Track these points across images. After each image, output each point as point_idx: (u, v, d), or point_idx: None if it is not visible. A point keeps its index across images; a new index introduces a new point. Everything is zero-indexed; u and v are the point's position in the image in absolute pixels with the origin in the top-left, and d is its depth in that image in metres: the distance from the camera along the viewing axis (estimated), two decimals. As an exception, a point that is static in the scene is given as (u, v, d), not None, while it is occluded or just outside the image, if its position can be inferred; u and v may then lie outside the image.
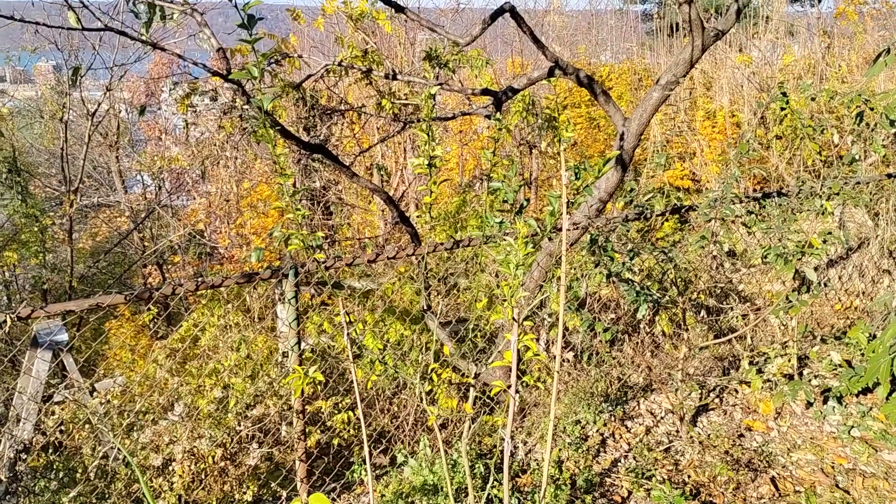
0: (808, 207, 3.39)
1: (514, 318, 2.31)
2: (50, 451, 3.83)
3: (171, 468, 3.40)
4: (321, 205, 10.01)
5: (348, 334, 2.65)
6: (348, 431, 4.54)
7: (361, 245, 9.65)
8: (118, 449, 3.14)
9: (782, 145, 10.19)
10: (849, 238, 5.93)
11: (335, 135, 9.55)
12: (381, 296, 7.05)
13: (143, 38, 4.23)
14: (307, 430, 3.65)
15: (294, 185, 11.64)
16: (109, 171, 17.12)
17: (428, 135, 2.17)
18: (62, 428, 3.64)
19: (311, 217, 10.44)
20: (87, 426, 3.48)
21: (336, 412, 4.54)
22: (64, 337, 5.57)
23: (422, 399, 2.75)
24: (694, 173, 11.65)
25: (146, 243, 14.85)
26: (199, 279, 3.02)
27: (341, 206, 8.99)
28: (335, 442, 4.21)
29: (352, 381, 5.93)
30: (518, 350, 2.34)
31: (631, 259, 3.27)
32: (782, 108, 3.60)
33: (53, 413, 4.19)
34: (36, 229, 12.90)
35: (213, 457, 3.44)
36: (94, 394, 5.63)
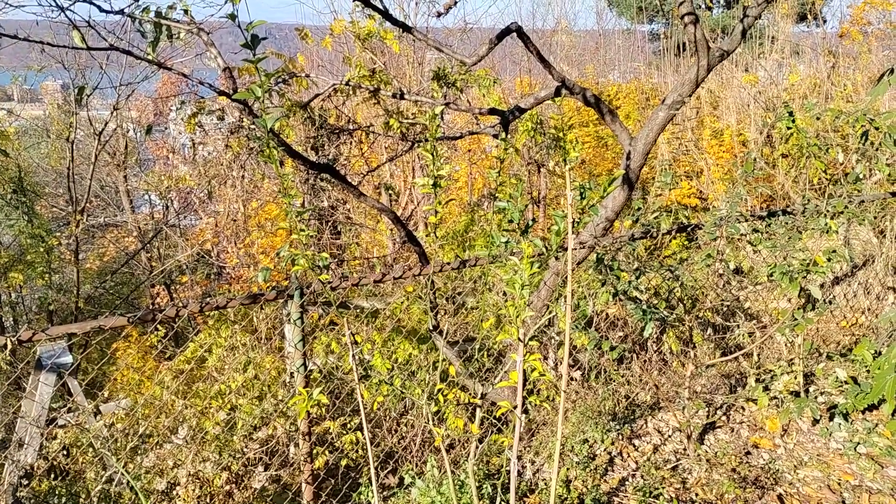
0: (814, 226, 3.40)
1: (519, 339, 2.32)
2: (52, 475, 3.83)
3: (175, 492, 3.39)
4: (329, 224, 10.06)
5: (354, 355, 2.66)
6: (356, 452, 4.54)
7: (369, 265, 9.67)
8: (122, 473, 3.14)
9: (788, 164, 10.21)
10: (854, 256, 5.92)
11: (343, 154, 9.62)
12: (388, 315, 7.06)
13: (150, 57, 4.28)
14: (314, 451, 3.64)
15: (303, 204, 11.72)
16: (117, 191, 17.23)
17: (433, 154, 2.20)
18: (65, 452, 3.64)
19: (318, 237, 10.49)
20: (90, 450, 3.48)
21: (343, 433, 4.54)
22: (68, 359, 5.59)
23: (429, 420, 2.75)
24: (701, 191, 11.66)
25: (154, 263, 14.90)
26: (204, 300, 3.04)
27: (349, 225, 9.03)
28: (343, 463, 4.21)
29: (357, 401, 5.92)
30: (524, 370, 2.35)
31: (637, 278, 3.28)
32: (788, 128, 3.62)
33: (56, 437, 4.19)
34: (42, 249, 12.95)
35: (219, 480, 3.43)
36: (98, 416, 5.64)
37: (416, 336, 6.34)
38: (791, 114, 3.62)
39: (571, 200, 2.53)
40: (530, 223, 2.86)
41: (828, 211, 3.39)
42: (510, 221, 2.87)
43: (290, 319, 6.23)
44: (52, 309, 14.39)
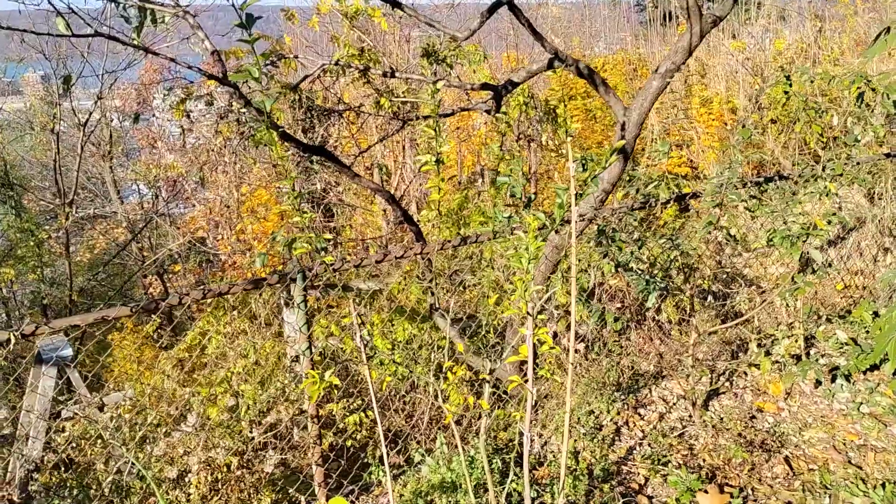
0: (813, 190, 3.40)
1: (528, 313, 2.32)
2: (62, 468, 3.82)
3: (187, 479, 3.39)
4: (322, 207, 10.00)
5: (360, 336, 2.66)
6: (361, 433, 4.56)
7: (364, 246, 9.64)
8: (132, 463, 3.13)
9: (777, 130, 10.20)
10: (847, 219, 5.94)
11: (333, 136, 9.54)
12: (388, 296, 7.05)
13: (135, 42, 4.20)
14: (321, 433, 3.65)
15: (294, 187, 11.64)
16: (104, 182, 17.05)
17: (436, 130, 2.17)
18: (73, 444, 3.64)
19: (312, 219, 10.44)
20: (98, 441, 3.47)
21: (348, 414, 4.55)
22: (68, 352, 5.57)
23: (436, 397, 2.75)
24: (691, 160, 11.67)
25: (145, 253, 14.80)
26: (206, 288, 3.02)
27: (342, 207, 8.99)
28: (349, 444, 4.22)
29: (362, 382, 5.94)
30: (534, 344, 2.35)
31: (639, 248, 3.28)
32: (785, 92, 3.60)
33: (63, 430, 4.18)
34: (32, 244, 12.82)
35: (230, 465, 3.44)
36: (105, 408, 5.63)
37: (416, 316, 6.35)
38: (788, 77, 3.60)
39: (574, 172, 2.52)
40: (532, 197, 2.85)
41: (825, 175, 3.40)
42: (512, 195, 2.86)
43: (288, 303, 6.22)
44: (45, 303, 14.31)
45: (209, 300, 4.99)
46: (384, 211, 9.37)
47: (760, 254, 5.80)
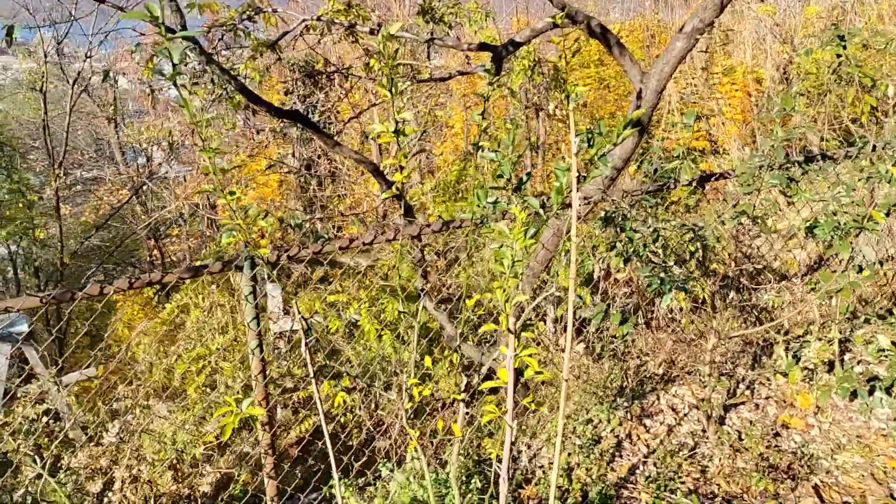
0: (870, 173, 2.84)
1: (509, 330, 1.81)
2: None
3: (106, 499, 2.94)
4: (315, 175, 9.47)
5: (307, 345, 2.16)
6: (345, 416, 4.09)
7: (359, 219, 9.12)
8: (45, 476, 2.67)
9: (805, 102, 9.52)
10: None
11: (326, 99, 8.97)
12: (376, 273, 6.56)
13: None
14: (273, 442, 3.18)
15: (293, 155, 11.09)
16: (110, 144, 16.65)
17: (391, 91, 1.64)
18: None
19: (305, 189, 9.91)
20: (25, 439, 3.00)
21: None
22: (23, 328, 5.10)
23: (401, 416, 2.27)
24: (710, 134, 11.02)
25: (143, 217, 14.38)
26: (133, 277, 2.53)
27: (333, 177, 8.45)
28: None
29: (345, 361, 5.43)
30: (517, 369, 1.84)
31: (655, 241, 2.75)
32: (838, 55, 3.03)
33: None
34: (21, 205, 12.42)
35: (163, 478, 2.97)
36: (65, 387, 5.19)
37: (404, 294, 5.86)
38: (842, 38, 3.02)
39: (577, 149, 1.98)
40: (525, 178, 2.32)
41: (891, 154, 2.82)
42: (499, 176, 2.33)
43: (271, 278, 5.73)
44: (37, 266, 13.98)
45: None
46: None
47: (778, 236, 5.23)
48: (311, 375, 2.19)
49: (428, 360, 2.25)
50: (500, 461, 1.95)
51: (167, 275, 2.58)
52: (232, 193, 1.96)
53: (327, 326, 5.78)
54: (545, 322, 4.99)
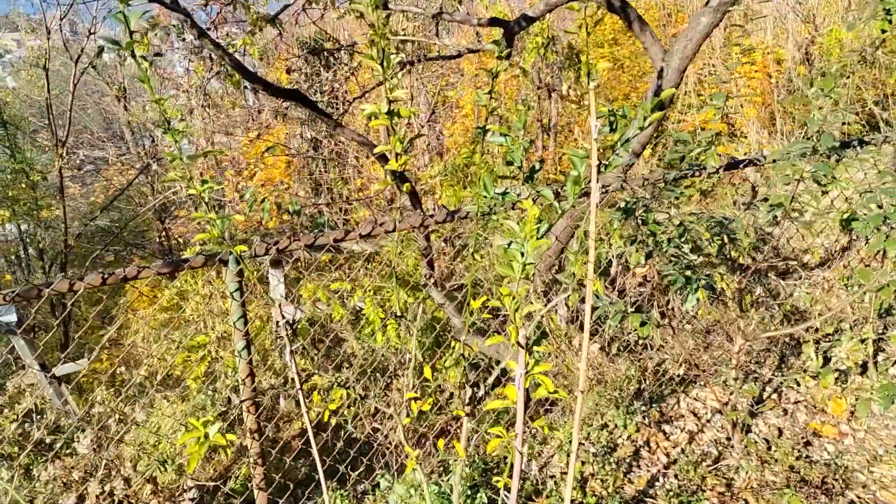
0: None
1: (519, 344, 1.56)
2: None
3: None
4: (322, 157, 9.21)
5: (293, 359, 1.92)
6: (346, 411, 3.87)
7: (366, 202, 8.86)
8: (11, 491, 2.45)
9: (829, 84, 9.12)
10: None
11: (333, 78, 8.68)
12: (381, 261, 6.33)
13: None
14: (263, 451, 2.96)
15: (301, 135, 10.81)
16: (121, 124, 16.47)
17: (382, 63, 1.38)
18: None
19: (310, 171, 9.65)
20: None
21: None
22: (12, 317, 4.90)
23: (400, 433, 2.04)
24: (727, 116, 10.65)
25: (150, 198, 14.20)
26: (105, 273, 2.29)
27: (340, 159, 8.19)
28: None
29: (348, 354, 5.20)
30: (526, 390, 1.59)
31: (681, 236, 2.48)
32: (883, 31, 2.74)
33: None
34: (24, 185, 12.26)
35: (142, 490, 2.76)
36: (57, 378, 5.00)
37: (411, 281, 5.63)
38: (889, 11, 2.72)
39: (597, 134, 1.72)
40: (537, 165, 2.06)
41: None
42: (509, 163, 2.07)
43: (274, 262, 5.50)
44: (41, 247, 13.88)
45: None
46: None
47: (802, 223, 4.92)
48: (299, 387, 1.96)
49: (428, 371, 2.00)
50: (507, 490, 1.72)
51: (143, 270, 2.35)
52: (204, 183, 1.72)
53: (330, 315, 5.57)
54: (556, 310, 4.74)
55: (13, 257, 14.78)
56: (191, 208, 14.01)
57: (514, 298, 1.54)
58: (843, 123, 8.38)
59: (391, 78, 1.43)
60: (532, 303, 1.58)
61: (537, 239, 1.61)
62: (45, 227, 13.36)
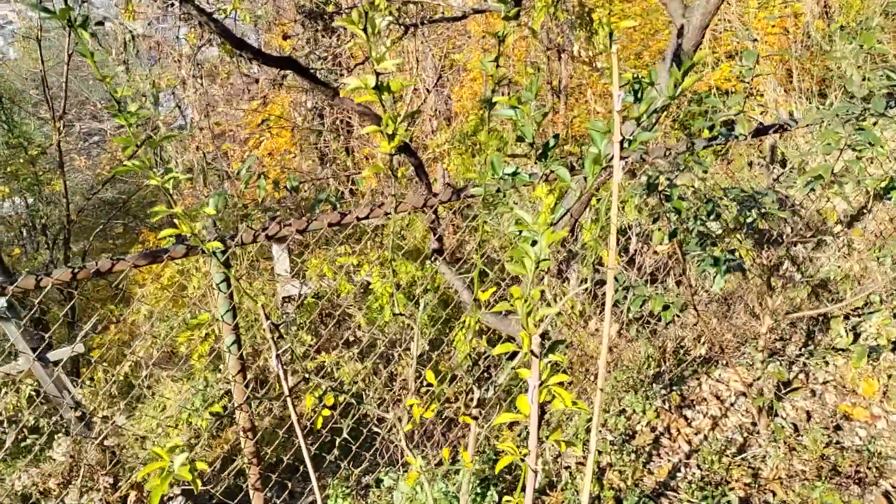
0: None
1: (533, 352, 1.36)
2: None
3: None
4: (322, 128, 8.95)
5: (278, 357, 1.73)
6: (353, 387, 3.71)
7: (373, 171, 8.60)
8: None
9: (848, 38, 8.74)
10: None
11: (337, 44, 8.36)
12: (388, 234, 6.12)
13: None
14: (258, 450, 2.80)
15: (304, 105, 10.52)
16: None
17: (365, 30, 1.16)
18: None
19: (315, 143, 9.38)
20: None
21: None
22: (0, 302, 4.74)
23: (401, 437, 1.85)
24: (741, 73, 10.27)
25: (154, 170, 14.01)
26: (76, 267, 2.11)
27: (340, 130, 7.92)
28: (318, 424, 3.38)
29: (354, 327, 5.04)
30: (540, 405, 1.40)
31: (709, 214, 2.26)
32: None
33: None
34: (23, 160, 12.08)
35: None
36: (53, 364, 4.86)
37: (420, 255, 5.44)
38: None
39: (619, 105, 1.49)
40: (552, 141, 1.83)
41: None
42: (520, 139, 1.84)
43: (278, 240, 5.30)
44: (44, 223, 13.74)
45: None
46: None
47: (842, 195, 4.68)
48: (287, 394, 1.77)
49: (430, 376, 1.81)
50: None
51: (118, 262, 2.15)
52: (168, 171, 1.51)
53: (337, 290, 5.38)
54: (567, 283, 4.54)
55: (21, 231, 14.69)
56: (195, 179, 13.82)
57: (526, 301, 1.33)
58: (865, 78, 8.03)
59: (377, 45, 1.21)
60: (549, 305, 1.38)
61: (552, 225, 1.40)
62: (47, 203, 13.21)
